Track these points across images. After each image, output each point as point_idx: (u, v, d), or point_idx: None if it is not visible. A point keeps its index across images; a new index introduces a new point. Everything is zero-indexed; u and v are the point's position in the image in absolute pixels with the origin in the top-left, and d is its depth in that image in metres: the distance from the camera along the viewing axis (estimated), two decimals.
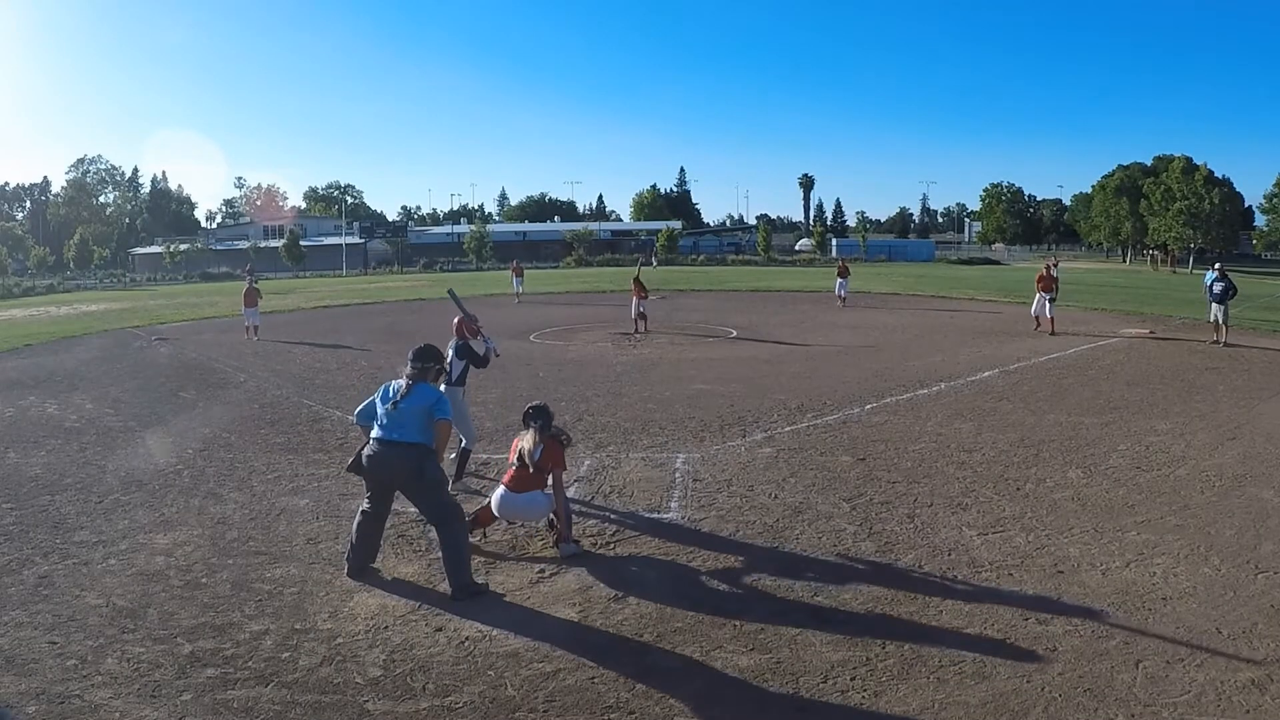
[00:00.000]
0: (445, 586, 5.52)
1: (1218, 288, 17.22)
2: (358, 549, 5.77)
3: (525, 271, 33.39)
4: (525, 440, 6.12)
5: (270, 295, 31.75)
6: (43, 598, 5.45)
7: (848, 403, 11.32)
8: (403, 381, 5.65)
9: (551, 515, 6.20)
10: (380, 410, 5.59)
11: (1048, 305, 19.25)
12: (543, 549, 6.21)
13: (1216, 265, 18.70)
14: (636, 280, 20.51)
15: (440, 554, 5.62)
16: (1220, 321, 17.05)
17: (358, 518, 5.81)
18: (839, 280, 27.67)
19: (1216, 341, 16.85)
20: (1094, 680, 4.32)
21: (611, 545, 6.30)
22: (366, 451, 5.57)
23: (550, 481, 6.09)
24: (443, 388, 7.50)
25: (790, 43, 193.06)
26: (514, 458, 6.14)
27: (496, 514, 6.12)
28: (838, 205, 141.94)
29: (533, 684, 4.37)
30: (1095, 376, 13.37)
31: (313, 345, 18.93)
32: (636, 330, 19.87)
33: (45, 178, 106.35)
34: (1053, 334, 18.52)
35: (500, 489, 6.10)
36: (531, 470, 5.98)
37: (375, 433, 5.55)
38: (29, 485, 8.00)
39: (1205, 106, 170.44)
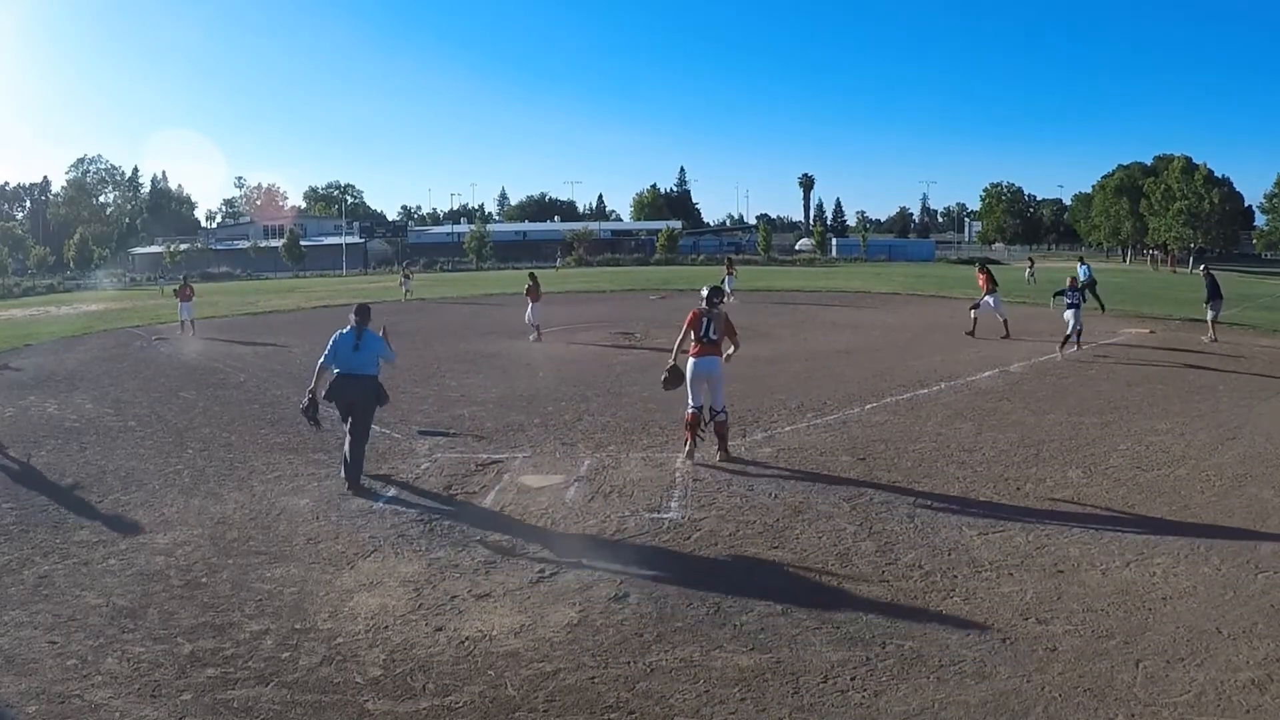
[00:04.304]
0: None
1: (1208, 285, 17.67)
2: (351, 466, 7.56)
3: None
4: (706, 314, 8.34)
5: (271, 295, 31.83)
6: (43, 598, 5.45)
7: (848, 403, 11.31)
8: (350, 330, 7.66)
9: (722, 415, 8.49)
10: (345, 355, 7.58)
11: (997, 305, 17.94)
12: (543, 548, 6.22)
13: (1203, 266, 18.98)
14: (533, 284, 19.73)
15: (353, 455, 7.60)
16: (1209, 321, 17.60)
17: (347, 439, 7.63)
18: (728, 278, 27.30)
19: (1211, 338, 17.18)
20: (1094, 680, 4.33)
21: (611, 545, 6.31)
22: (336, 382, 7.57)
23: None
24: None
25: (790, 43, 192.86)
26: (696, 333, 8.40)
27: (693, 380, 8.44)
28: (838, 205, 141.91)
29: (533, 684, 4.38)
30: (1095, 376, 13.37)
31: (313, 345, 18.89)
32: (538, 335, 18.80)
33: (45, 178, 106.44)
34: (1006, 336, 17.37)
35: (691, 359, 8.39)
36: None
37: (345, 369, 7.58)
38: (29, 485, 8.00)
39: (1205, 106, 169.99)
